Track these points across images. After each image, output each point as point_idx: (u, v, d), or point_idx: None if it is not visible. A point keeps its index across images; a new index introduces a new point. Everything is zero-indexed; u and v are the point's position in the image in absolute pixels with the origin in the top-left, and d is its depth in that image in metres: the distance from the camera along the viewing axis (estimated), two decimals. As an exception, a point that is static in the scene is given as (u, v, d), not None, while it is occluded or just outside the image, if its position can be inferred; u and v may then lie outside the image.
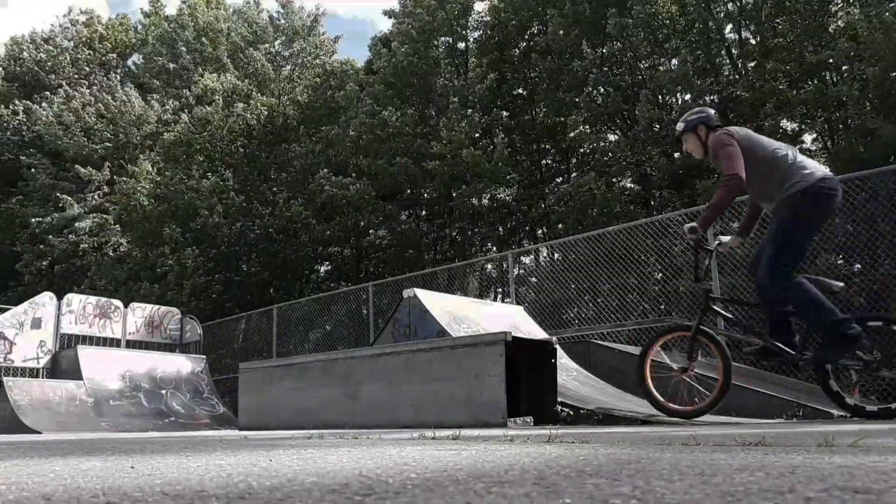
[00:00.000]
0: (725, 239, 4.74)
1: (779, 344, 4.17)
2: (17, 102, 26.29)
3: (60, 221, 22.76)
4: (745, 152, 4.13)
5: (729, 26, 16.03)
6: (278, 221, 18.03)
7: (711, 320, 4.73)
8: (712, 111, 4.66)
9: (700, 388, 4.43)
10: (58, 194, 23.45)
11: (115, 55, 31.04)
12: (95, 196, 22.28)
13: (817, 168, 4.08)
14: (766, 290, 4.07)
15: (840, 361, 3.98)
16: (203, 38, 26.46)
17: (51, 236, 22.66)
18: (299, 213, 17.82)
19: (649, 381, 4.50)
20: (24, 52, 28.62)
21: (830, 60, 12.97)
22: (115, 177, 22.44)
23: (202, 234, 17.76)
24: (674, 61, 16.11)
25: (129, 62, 31.95)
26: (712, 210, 4.29)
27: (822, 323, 3.90)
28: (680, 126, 4.69)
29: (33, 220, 23.26)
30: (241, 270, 18.28)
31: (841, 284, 4.12)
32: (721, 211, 4.35)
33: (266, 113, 19.42)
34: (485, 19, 19.98)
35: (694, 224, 4.36)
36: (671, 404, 4.44)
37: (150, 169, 19.38)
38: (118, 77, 28.89)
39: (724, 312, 4.70)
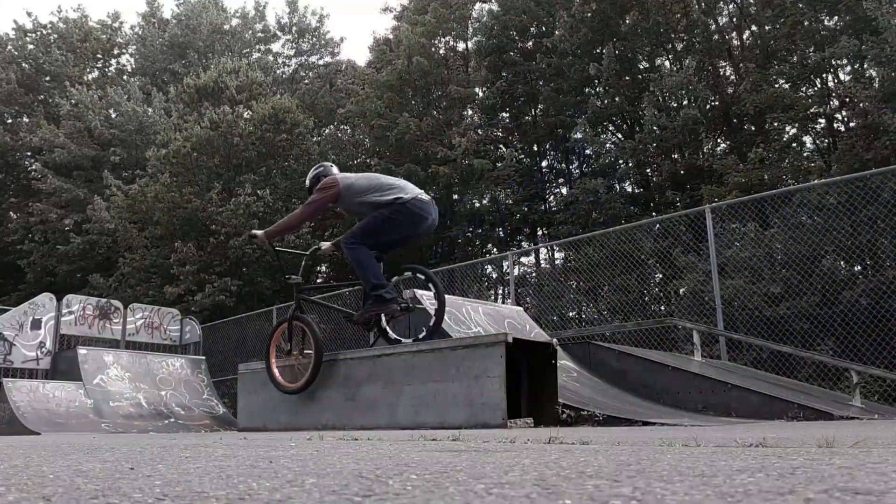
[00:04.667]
0: (324, 245, 5.62)
1: (346, 310, 5.56)
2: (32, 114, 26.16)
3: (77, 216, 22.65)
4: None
5: (731, 28, 16.02)
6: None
7: (303, 309, 5.52)
8: (330, 164, 5.61)
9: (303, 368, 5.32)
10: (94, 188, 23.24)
11: (110, 57, 30.82)
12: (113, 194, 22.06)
13: None
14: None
15: (380, 317, 5.16)
16: (212, 41, 26.37)
17: (60, 234, 22.57)
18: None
19: (273, 365, 5.42)
20: (16, 52, 28.33)
21: (834, 60, 12.96)
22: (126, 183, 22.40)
23: (215, 247, 17.73)
24: (675, 64, 16.11)
25: (123, 62, 31.74)
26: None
27: (372, 284, 4.90)
28: (306, 184, 5.55)
29: (54, 215, 23.10)
30: (244, 275, 18.28)
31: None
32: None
33: (271, 112, 19.39)
34: (483, 20, 19.99)
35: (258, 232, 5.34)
36: (286, 382, 5.39)
37: (161, 176, 19.32)
38: (118, 78, 28.73)
39: (312, 299, 5.86)
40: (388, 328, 5.32)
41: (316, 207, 5.10)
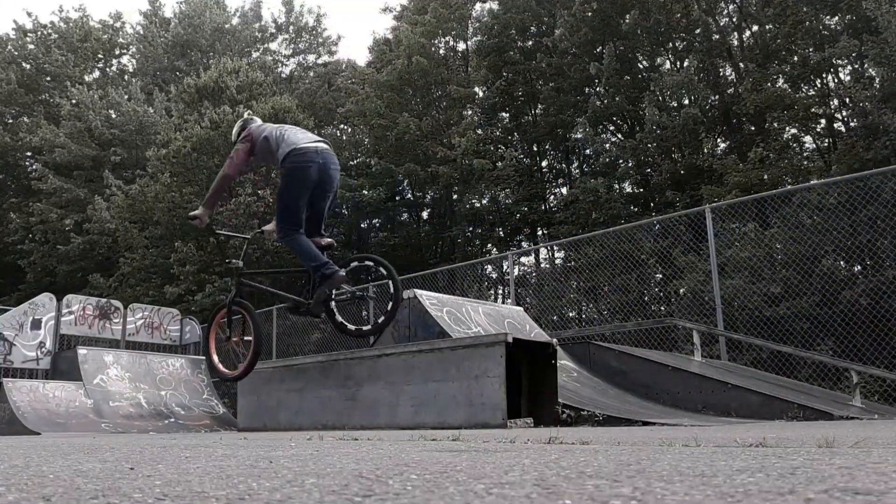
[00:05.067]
0: (268, 228, 5.17)
1: (293, 296, 5.09)
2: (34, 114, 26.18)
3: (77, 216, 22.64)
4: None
5: (731, 28, 16.00)
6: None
7: (243, 294, 5.27)
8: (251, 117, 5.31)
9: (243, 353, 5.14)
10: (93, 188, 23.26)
11: (110, 56, 30.76)
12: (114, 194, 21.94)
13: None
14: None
15: (331, 295, 4.81)
16: (213, 40, 26.34)
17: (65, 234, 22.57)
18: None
19: (213, 351, 5.20)
20: (15, 52, 28.26)
21: (835, 60, 12.94)
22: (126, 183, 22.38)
23: (215, 247, 17.72)
24: (676, 64, 16.10)
25: (125, 62, 31.68)
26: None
27: (312, 266, 4.69)
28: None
29: (54, 214, 23.06)
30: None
31: (330, 240, 4.94)
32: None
33: (271, 112, 19.37)
34: (484, 20, 19.98)
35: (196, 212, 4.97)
36: (224, 369, 5.13)
37: (161, 175, 19.31)
38: (118, 77, 28.70)
39: (254, 283, 5.45)
40: (342, 319, 5.03)
41: (236, 161, 4.95)
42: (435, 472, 1.25)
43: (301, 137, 4.87)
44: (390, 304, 4.75)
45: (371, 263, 4.98)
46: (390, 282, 4.73)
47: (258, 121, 5.26)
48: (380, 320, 4.85)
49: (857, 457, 1.40)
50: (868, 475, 1.06)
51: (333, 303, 4.94)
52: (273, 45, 29.81)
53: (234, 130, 5.23)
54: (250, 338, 5.04)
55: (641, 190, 16.63)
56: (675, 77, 14.30)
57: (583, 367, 6.74)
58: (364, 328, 5.00)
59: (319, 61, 28.84)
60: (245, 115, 5.41)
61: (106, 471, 1.44)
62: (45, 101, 28.11)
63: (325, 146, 4.90)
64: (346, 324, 5.00)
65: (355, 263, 5.05)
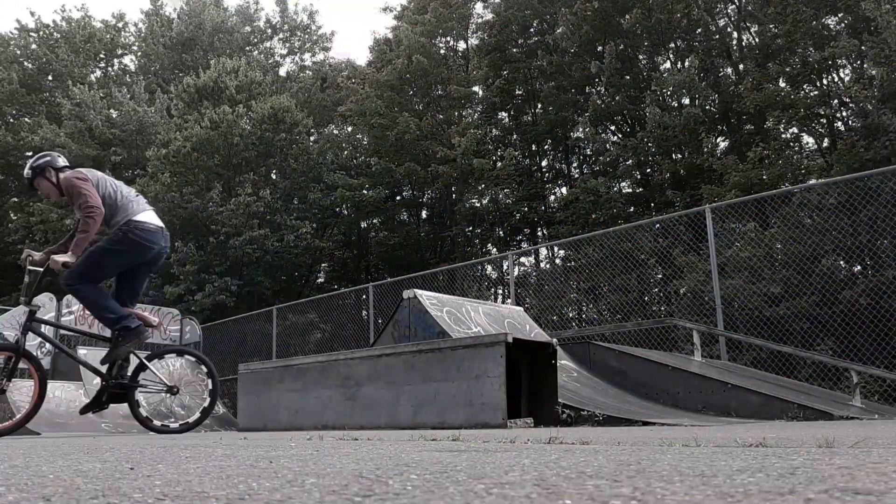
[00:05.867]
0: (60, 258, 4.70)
1: (94, 368, 4.74)
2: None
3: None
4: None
5: (730, 28, 16.00)
6: (289, 245, 17.97)
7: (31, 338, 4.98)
8: (57, 154, 4.93)
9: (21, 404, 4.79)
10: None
11: (111, 55, 30.75)
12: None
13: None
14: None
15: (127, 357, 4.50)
16: (212, 39, 26.36)
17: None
18: (310, 238, 17.75)
19: None
20: (17, 51, 28.25)
21: (835, 60, 12.95)
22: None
23: (215, 247, 17.75)
24: (677, 63, 16.09)
25: (126, 62, 31.69)
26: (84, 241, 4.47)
27: (111, 319, 4.40)
28: (28, 172, 4.85)
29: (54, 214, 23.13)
30: (244, 275, 18.26)
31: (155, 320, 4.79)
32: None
33: (270, 112, 19.38)
34: (487, 18, 20.00)
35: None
36: None
37: (161, 175, 19.33)
38: (119, 77, 28.71)
39: (43, 333, 5.16)
40: (146, 413, 4.68)
41: (95, 196, 4.42)
42: (435, 472, 1.25)
43: (150, 214, 4.61)
44: (207, 400, 4.62)
45: (193, 358, 4.87)
46: (209, 380, 4.63)
47: (62, 160, 4.79)
48: (191, 419, 4.63)
49: (857, 457, 1.40)
50: (868, 475, 1.06)
51: (139, 392, 4.65)
52: (268, 45, 29.86)
53: (33, 165, 4.70)
54: (12, 383, 4.70)
55: (641, 190, 16.63)
56: (676, 76, 14.31)
57: (583, 367, 6.74)
58: (172, 425, 4.71)
59: (315, 59, 28.90)
60: (49, 152, 4.94)
61: (106, 471, 1.44)
62: (46, 100, 28.11)
63: (164, 228, 4.69)
64: (151, 419, 4.75)
65: (179, 356, 4.93)
